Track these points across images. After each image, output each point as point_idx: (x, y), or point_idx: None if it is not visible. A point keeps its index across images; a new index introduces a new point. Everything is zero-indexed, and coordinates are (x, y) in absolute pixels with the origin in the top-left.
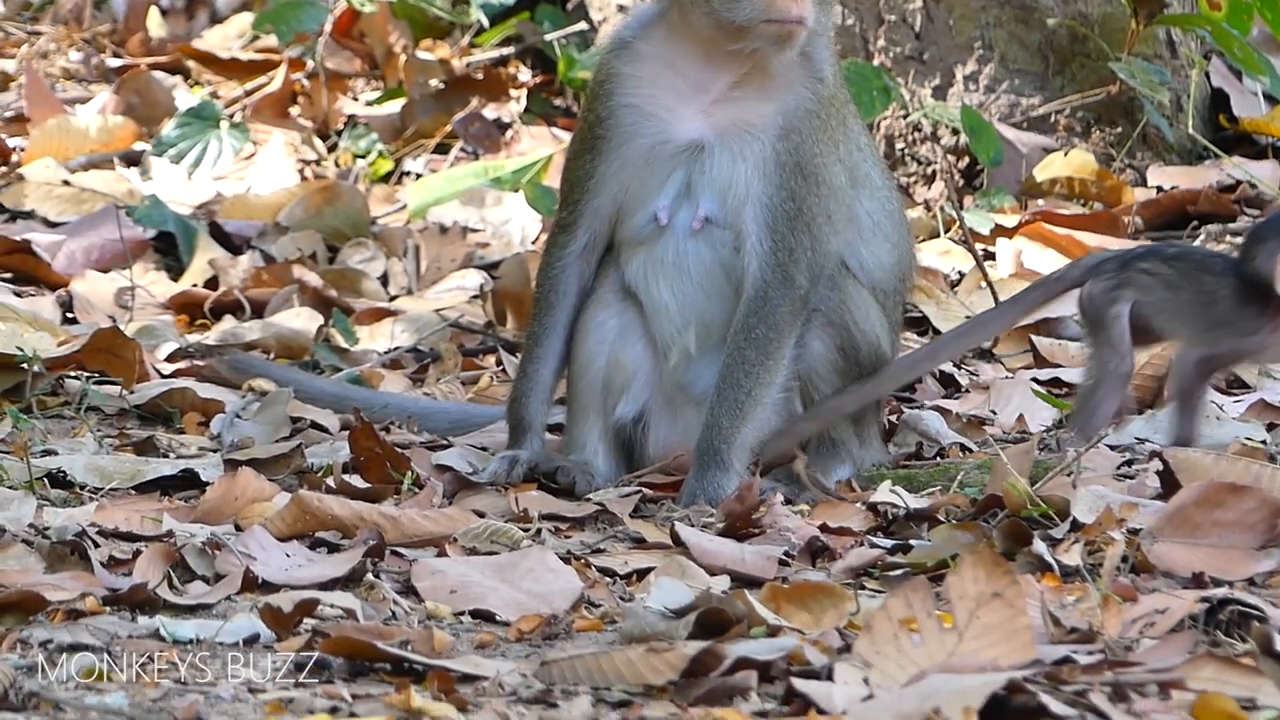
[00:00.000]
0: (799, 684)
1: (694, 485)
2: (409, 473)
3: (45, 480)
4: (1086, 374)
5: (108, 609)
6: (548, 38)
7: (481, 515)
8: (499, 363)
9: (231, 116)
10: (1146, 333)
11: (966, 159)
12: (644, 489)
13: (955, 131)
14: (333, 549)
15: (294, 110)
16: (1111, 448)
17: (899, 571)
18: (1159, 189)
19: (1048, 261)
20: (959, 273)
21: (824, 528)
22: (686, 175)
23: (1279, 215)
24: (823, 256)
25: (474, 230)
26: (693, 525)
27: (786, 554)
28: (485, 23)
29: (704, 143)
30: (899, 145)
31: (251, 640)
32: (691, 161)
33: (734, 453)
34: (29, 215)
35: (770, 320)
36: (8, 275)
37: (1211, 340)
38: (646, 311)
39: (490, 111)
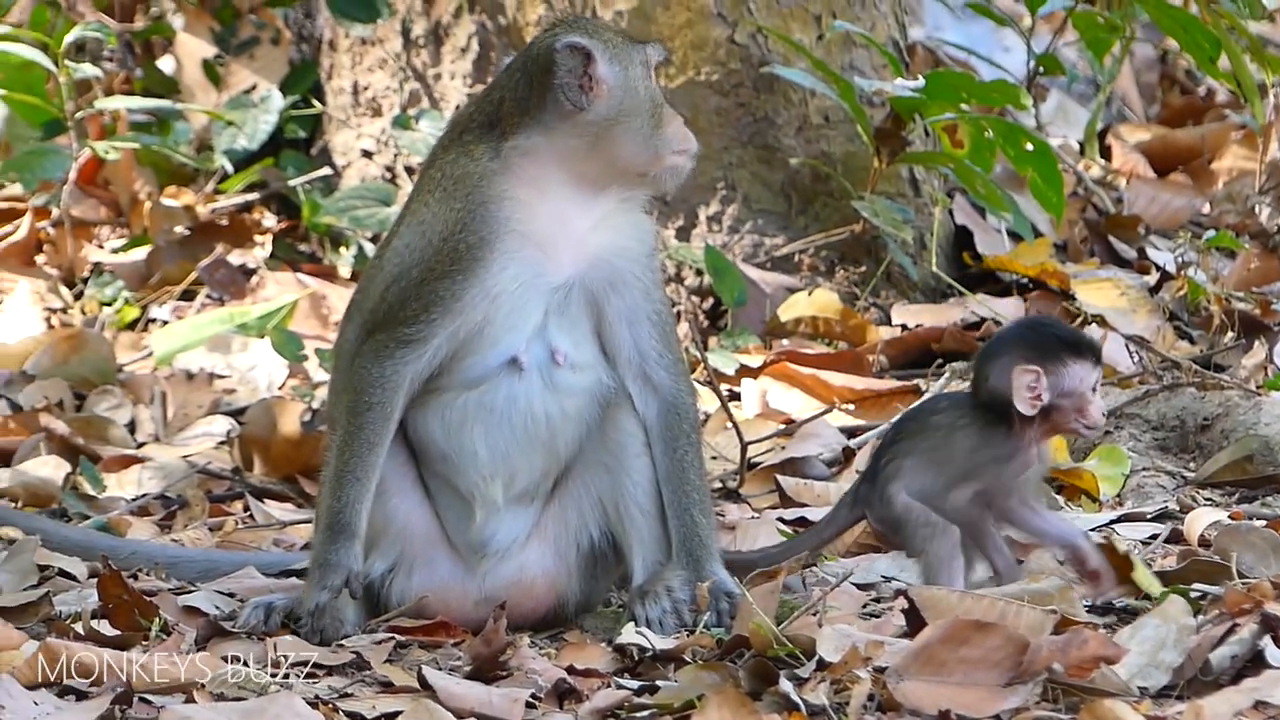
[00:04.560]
0: None
1: (713, 584)
2: (157, 619)
3: None
4: (922, 574)
5: None
6: (292, 183)
7: (230, 661)
8: (246, 508)
9: None
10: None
11: (711, 300)
12: (394, 634)
13: (699, 272)
14: (81, 696)
15: (40, 258)
16: (858, 586)
17: (646, 713)
18: (903, 327)
19: (793, 401)
20: (705, 414)
21: (571, 669)
22: (554, 313)
23: (1001, 334)
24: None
25: (220, 376)
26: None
27: (534, 696)
28: (229, 169)
29: (582, 273)
30: None
31: None
32: (563, 298)
33: (716, 544)
34: None
35: (691, 419)
36: None
37: (971, 474)
38: (445, 461)
39: (235, 257)
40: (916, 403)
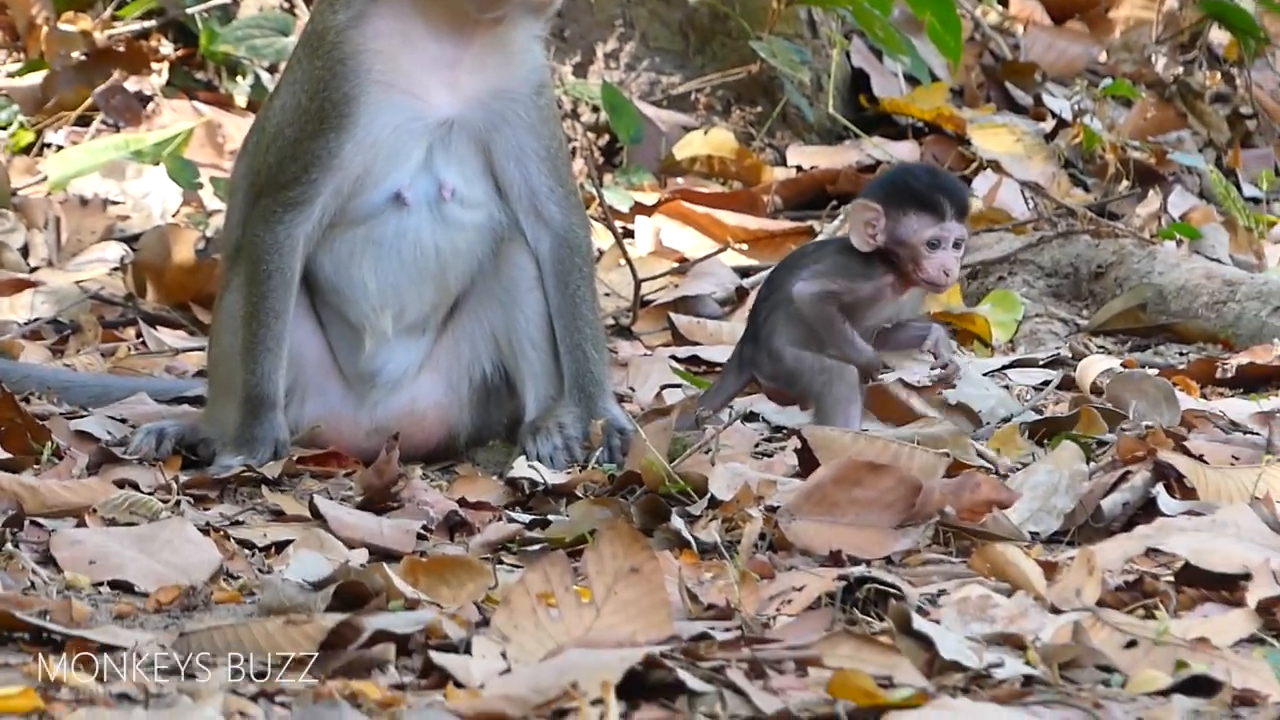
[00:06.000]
0: (437, 657)
1: (605, 421)
2: (49, 443)
3: None
4: (817, 419)
5: None
6: (189, 11)
7: (122, 486)
8: (139, 334)
9: None
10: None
11: (606, 136)
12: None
13: (595, 109)
14: None
15: None
16: (750, 425)
17: (537, 546)
18: (798, 168)
19: (687, 240)
20: (599, 250)
21: (462, 502)
22: (439, 149)
23: (873, 180)
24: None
25: (115, 203)
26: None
27: (425, 528)
28: None
29: (460, 114)
30: None
31: None
32: (445, 135)
33: (609, 380)
34: None
35: (584, 254)
36: None
37: (824, 279)
38: (336, 292)
39: (132, 84)
40: (785, 256)
